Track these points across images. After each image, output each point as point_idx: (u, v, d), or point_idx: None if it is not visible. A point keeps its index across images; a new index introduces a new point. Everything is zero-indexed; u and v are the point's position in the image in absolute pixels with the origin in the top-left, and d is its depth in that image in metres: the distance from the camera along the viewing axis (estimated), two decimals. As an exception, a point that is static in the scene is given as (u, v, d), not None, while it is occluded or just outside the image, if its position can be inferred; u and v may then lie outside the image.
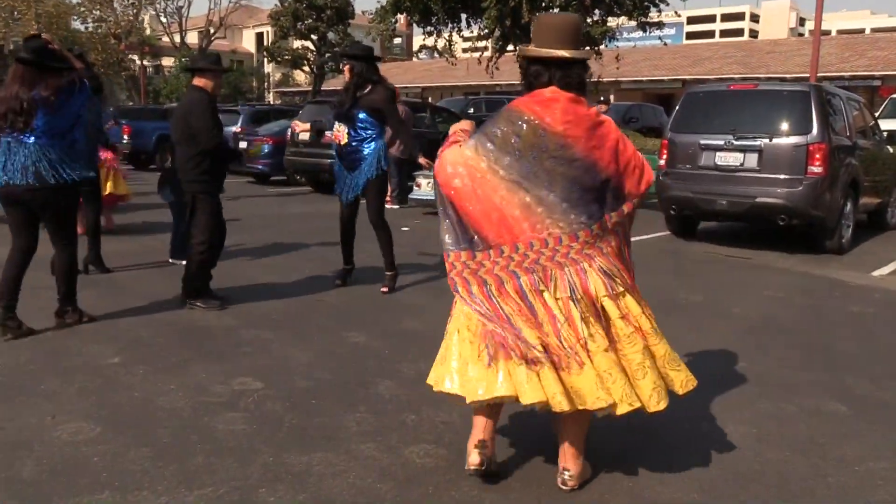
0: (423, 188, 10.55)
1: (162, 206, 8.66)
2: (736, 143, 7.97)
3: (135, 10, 36.02)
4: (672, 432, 3.40)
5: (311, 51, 38.15)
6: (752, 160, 7.89)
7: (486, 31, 17.17)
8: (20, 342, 4.47)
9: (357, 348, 4.53)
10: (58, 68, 4.42)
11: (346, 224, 6.01)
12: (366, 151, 5.68)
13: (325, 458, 3.04)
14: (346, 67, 5.79)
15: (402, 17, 19.06)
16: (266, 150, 14.27)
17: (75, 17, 33.96)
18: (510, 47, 18.37)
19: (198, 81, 5.29)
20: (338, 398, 3.70)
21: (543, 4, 16.56)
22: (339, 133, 5.72)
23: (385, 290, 5.91)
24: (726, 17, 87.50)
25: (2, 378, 3.90)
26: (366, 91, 5.64)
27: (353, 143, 5.69)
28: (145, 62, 39.74)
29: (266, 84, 50.16)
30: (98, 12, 34.11)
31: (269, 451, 3.10)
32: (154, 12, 40.63)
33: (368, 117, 5.64)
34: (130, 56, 38.52)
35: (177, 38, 41.95)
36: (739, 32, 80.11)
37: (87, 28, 34.30)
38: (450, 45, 18.25)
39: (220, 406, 3.57)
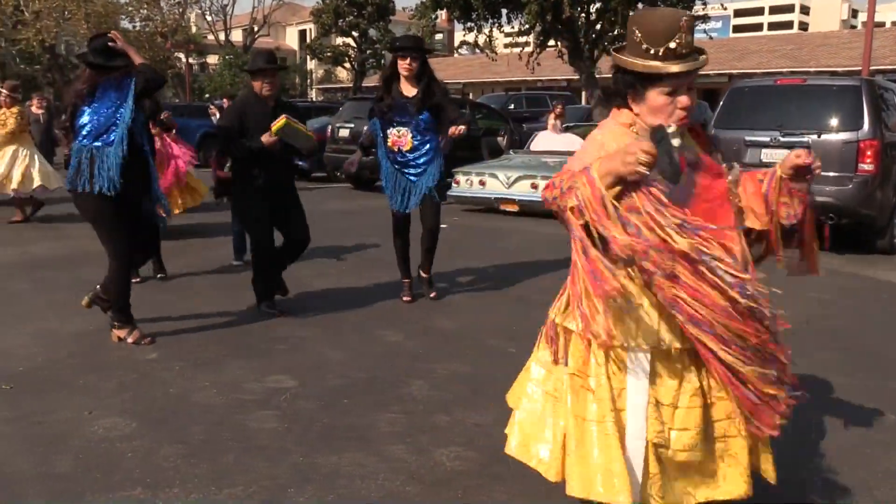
0: (462, 185, 10.50)
1: (207, 208, 8.73)
2: (782, 139, 7.74)
3: (180, 9, 36.65)
4: (710, 439, 3.30)
5: (353, 47, 38.34)
6: (799, 157, 7.66)
7: (527, 26, 17.01)
8: (62, 338, 4.57)
9: (391, 347, 4.51)
10: (116, 66, 4.29)
11: (406, 235, 5.58)
12: (431, 155, 5.26)
13: (355, 459, 3.02)
14: (408, 61, 5.13)
15: (442, 14, 19.00)
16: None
17: (123, 17, 34.66)
18: (551, 43, 18.20)
19: (252, 83, 5.08)
20: (370, 398, 3.69)
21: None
22: (403, 138, 5.22)
23: (434, 294, 5.60)
24: (775, 10, 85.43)
25: (43, 372, 3.98)
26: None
27: (416, 145, 5.24)
28: (191, 60, 40.41)
29: (309, 81, 50.61)
30: (145, 11, 34.79)
31: (299, 450, 3.10)
32: (199, 11, 41.31)
33: (430, 117, 5.20)
34: (176, 54, 39.21)
35: (221, 36, 42.58)
36: (789, 25, 78.14)
37: (134, 27, 35.02)
38: (490, 40, 18.13)
39: (252, 404, 3.58)
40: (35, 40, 30.21)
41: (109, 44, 4.32)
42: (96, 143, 4.24)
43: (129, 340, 4.45)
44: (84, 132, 4.28)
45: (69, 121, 4.42)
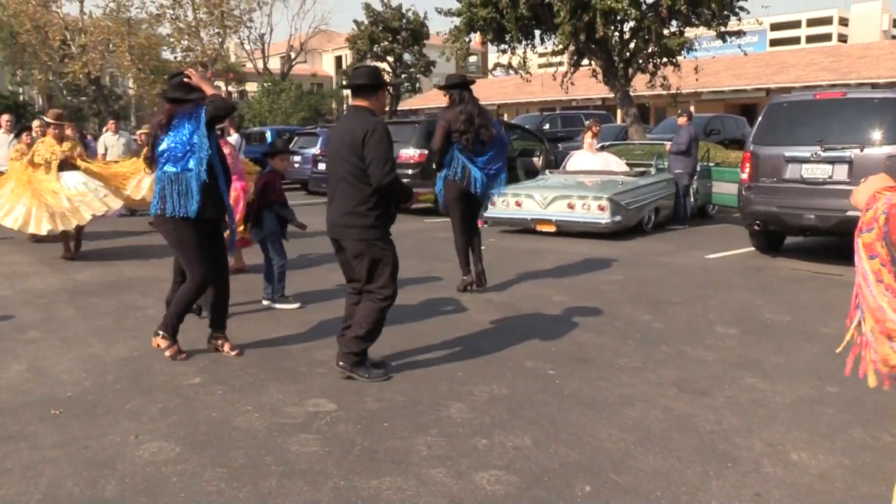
0: (498, 206, 10.51)
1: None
2: (823, 154, 7.61)
3: (220, 39, 37.48)
4: (756, 461, 3.23)
5: (388, 72, 38.81)
6: (841, 172, 7.52)
7: (561, 46, 17.02)
8: (107, 363, 4.66)
9: (429, 369, 4.50)
10: (192, 99, 4.59)
11: None
12: None
13: (395, 483, 3.02)
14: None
15: (476, 36, 19.11)
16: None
17: (165, 48, 35.63)
18: (585, 62, 18.18)
19: (361, 101, 4.35)
20: (409, 420, 3.69)
21: (618, 18, 16.33)
22: None
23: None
24: (812, 22, 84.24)
25: (91, 397, 4.06)
26: None
27: None
28: (230, 88, 41.28)
29: (345, 106, 51.26)
30: (186, 42, 35.65)
31: (339, 474, 3.11)
32: (238, 40, 42.21)
33: None
34: (217, 83, 40.11)
35: (260, 64, 43.42)
36: (827, 37, 76.91)
37: (175, 58, 35.91)
38: (524, 61, 18.18)
39: (293, 427, 3.61)
40: (81, 73, 31.22)
41: (184, 80, 4.66)
42: (174, 169, 4.53)
43: (167, 353, 4.69)
44: (163, 159, 4.59)
45: (150, 151, 4.75)
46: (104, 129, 16.30)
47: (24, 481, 3.07)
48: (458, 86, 6.36)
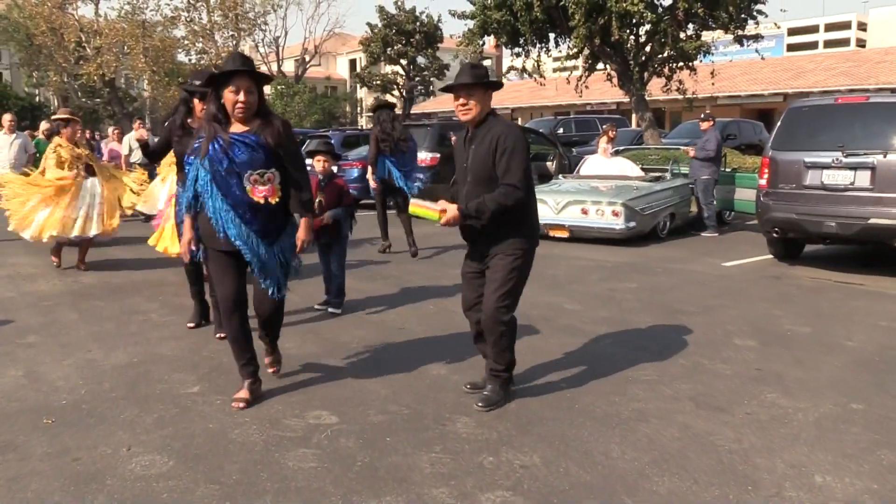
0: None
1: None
2: (845, 160, 7.40)
3: (235, 42, 37.50)
4: (778, 485, 3.05)
5: (401, 75, 38.76)
6: (863, 178, 7.30)
7: (575, 50, 16.84)
8: (105, 370, 4.54)
9: (436, 381, 4.35)
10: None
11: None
12: None
13: (396, 503, 2.87)
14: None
15: (490, 40, 18.97)
16: (356, 175, 14.45)
17: (179, 50, 35.67)
18: (599, 66, 17.99)
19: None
20: (413, 435, 3.53)
21: (634, 21, 16.13)
22: None
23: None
24: (830, 27, 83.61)
25: (86, 406, 3.94)
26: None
27: None
28: (244, 91, 41.29)
29: (359, 109, 51.31)
30: (200, 45, 35.70)
31: (337, 493, 2.96)
32: (252, 43, 42.30)
33: None
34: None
35: (274, 67, 43.49)
36: (845, 42, 76.31)
37: (190, 60, 35.97)
38: (538, 65, 18.01)
39: (292, 441, 3.47)
40: (96, 74, 31.27)
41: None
42: None
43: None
44: None
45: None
46: (112, 131, 16.15)
47: (9, 494, 2.95)
48: (380, 107, 8.71)
